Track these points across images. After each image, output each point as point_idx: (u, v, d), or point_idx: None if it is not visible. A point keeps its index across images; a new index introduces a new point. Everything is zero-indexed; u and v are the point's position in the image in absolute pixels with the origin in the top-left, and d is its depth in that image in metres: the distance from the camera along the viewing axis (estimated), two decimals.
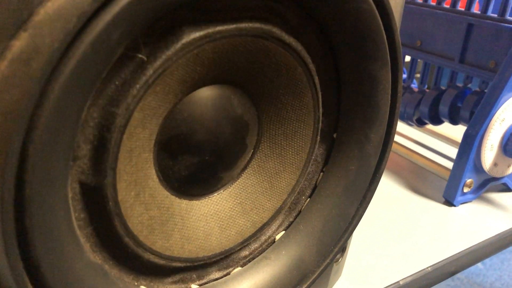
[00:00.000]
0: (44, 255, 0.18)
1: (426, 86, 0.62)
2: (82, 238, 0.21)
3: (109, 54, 0.17)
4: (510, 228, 0.49)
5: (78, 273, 0.20)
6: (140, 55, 0.19)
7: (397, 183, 0.56)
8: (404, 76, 0.65)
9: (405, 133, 0.70)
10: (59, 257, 0.19)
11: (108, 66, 0.18)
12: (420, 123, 0.62)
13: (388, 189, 0.55)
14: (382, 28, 0.26)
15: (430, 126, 0.67)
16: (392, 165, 0.60)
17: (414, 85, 0.63)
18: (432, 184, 0.57)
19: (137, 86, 0.19)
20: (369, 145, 0.29)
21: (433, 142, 0.69)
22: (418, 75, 0.66)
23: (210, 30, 0.21)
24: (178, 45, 0.20)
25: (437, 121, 0.60)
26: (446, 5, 0.56)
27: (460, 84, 0.57)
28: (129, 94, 0.19)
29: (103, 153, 0.20)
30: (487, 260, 1.32)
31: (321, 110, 0.27)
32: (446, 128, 0.66)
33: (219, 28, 0.21)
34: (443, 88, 0.58)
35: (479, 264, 1.31)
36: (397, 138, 0.69)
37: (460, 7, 0.55)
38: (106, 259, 0.23)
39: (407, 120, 0.62)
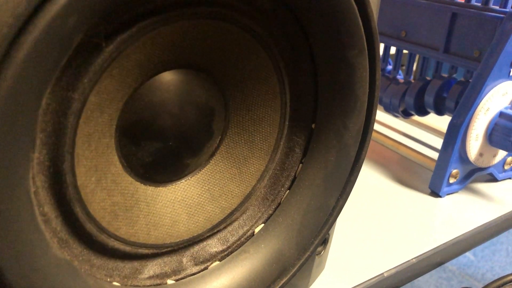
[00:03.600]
0: (4, 252, 0.18)
1: (412, 77, 0.62)
2: (48, 233, 0.21)
3: (67, 40, 0.17)
4: (496, 218, 0.49)
5: (43, 270, 0.19)
6: (100, 41, 0.19)
7: (382, 174, 0.56)
8: (390, 67, 0.64)
9: (391, 124, 0.70)
10: (20, 254, 0.18)
11: (67, 53, 0.17)
12: (405, 114, 0.62)
13: (374, 180, 0.54)
14: (358, 14, 0.25)
15: (416, 117, 0.66)
16: (378, 157, 0.60)
17: (400, 76, 0.63)
18: (418, 175, 0.57)
19: (92, 69, 0.19)
20: (347, 135, 0.29)
21: (419, 133, 0.68)
22: (404, 67, 0.66)
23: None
24: (134, 28, 0.19)
25: (423, 112, 0.59)
26: None
27: (445, 75, 0.57)
28: (84, 78, 0.19)
29: (60, 139, 0.19)
30: (478, 252, 1.33)
31: (288, 95, 0.26)
32: (432, 119, 0.66)
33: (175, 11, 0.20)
34: (429, 78, 0.58)
35: (471, 256, 1.31)
36: (382, 129, 0.68)
37: None
38: (75, 255, 0.23)
39: (392, 111, 0.62)
